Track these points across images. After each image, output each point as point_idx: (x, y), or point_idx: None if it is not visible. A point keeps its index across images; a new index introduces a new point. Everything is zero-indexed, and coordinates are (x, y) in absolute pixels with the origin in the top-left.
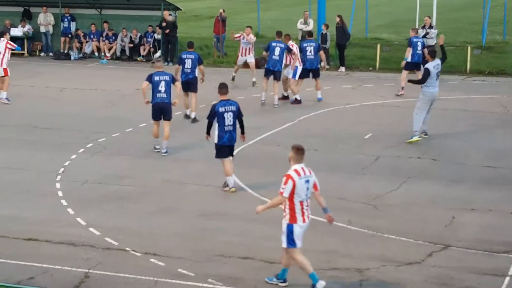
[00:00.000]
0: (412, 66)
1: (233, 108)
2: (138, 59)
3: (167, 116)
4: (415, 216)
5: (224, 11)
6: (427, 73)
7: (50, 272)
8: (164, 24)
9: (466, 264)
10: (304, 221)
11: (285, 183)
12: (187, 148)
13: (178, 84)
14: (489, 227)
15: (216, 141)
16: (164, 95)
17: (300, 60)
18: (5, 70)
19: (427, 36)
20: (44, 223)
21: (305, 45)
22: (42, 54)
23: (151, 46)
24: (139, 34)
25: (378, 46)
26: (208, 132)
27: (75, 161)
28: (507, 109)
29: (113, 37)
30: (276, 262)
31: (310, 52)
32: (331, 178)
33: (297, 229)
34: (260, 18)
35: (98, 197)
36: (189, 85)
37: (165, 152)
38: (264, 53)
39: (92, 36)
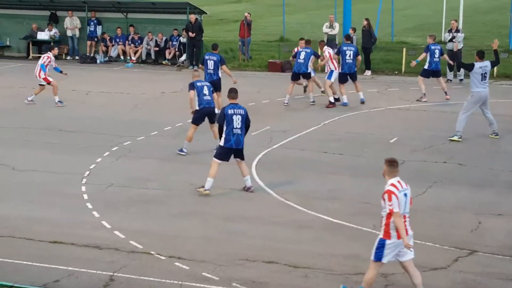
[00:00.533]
0: (429, 74)
1: (242, 112)
2: (164, 62)
3: (213, 119)
4: (441, 221)
5: (250, 14)
6: (471, 66)
7: (75, 275)
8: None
9: (493, 270)
10: (398, 237)
11: (389, 200)
12: (211, 151)
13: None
14: None
15: (222, 143)
16: (209, 98)
17: (335, 65)
18: (45, 79)
19: (453, 40)
20: (69, 226)
21: (344, 48)
22: (68, 57)
23: (176, 49)
24: (164, 38)
25: (404, 49)
26: (221, 137)
27: (101, 164)
28: None
29: (139, 41)
30: (301, 266)
31: (349, 56)
32: (356, 183)
33: (388, 245)
34: (285, 21)
35: (123, 200)
36: (214, 86)
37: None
38: (291, 58)
39: (118, 40)
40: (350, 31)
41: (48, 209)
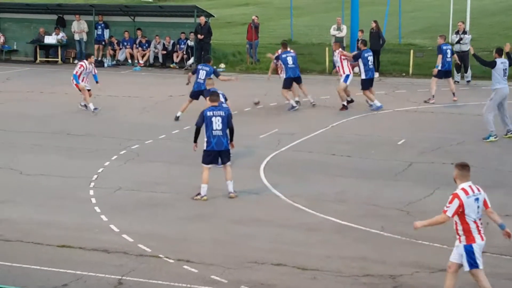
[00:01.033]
0: (442, 74)
1: (222, 113)
2: (171, 66)
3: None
4: (449, 222)
5: (257, 17)
6: (493, 63)
7: (83, 279)
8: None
9: (501, 271)
10: (482, 239)
11: (451, 201)
12: None
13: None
14: None
15: (204, 147)
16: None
17: (350, 68)
18: (76, 85)
19: (460, 42)
20: (77, 230)
21: (366, 54)
22: (76, 61)
23: (184, 52)
24: (172, 41)
25: (412, 51)
26: (195, 141)
27: (109, 168)
28: None
29: (146, 44)
30: (309, 269)
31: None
32: (364, 185)
33: (477, 248)
34: (293, 24)
35: (131, 203)
36: (203, 95)
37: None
38: (274, 62)
39: (125, 43)
40: (359, 34)
41: (56, 213)
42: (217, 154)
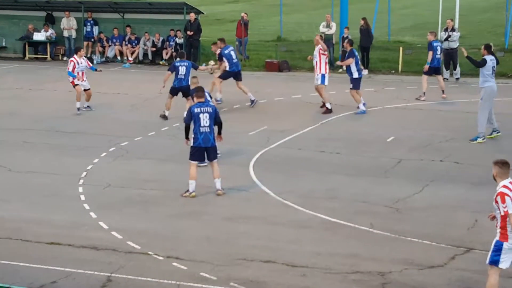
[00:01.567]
0: (433, 71)
1: (209, 109)
2: (161, 63)
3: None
4: (438, 219)
5: (246, 14)
6: (483, 61)
7: (72, 276)
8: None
9: None
10: None
11: (503, 201)
12: None
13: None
14: None
15: (191, 143)
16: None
17: (327, 68)
18: (72, 83)
19: (449, 39)
20: (66, 227)
21: (356, 53)
22: (65, 58)
23: (173, 50)
24: (161, 38)
25: (401, 49)
26: (187, 137)
27: (98, 165)
28: None
29: (136, 41)
30: (299, 266)
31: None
32: (353, 182)
33: (506, 247)
34: (283, 21)
35: (120, 201)
36: (184, 92)
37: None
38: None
39: (114, 40)
40: (345, 31)
41: (45, 211)
42: (203, 151)
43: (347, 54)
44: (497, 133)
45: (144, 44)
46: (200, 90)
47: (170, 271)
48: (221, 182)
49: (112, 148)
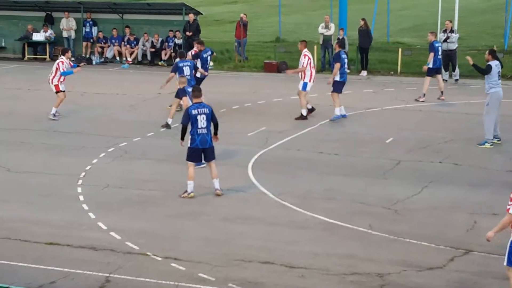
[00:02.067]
0: (434, 72)
1: (206, 111)
2: (160, 63)
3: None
4: (437, 221)
5: (246, 15)
6: (489, 68)
7: (71, 276)
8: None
9: (488, 269)
10: None
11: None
12: None
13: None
14: None
15: (189, 144)
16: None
17: (312, 75)
18: (56, 86)
19: (448, 41)
20: (65, 227)
21: (343, 56)
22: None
23: (172, 50)
24: (160, 39)
25: (400, 50)
26: (182, 138)
27: (96, 165)
28: None
29: (135, 42)
30: (297, 267)
31: (347, 66)
32: (352, 183)
33: None
34: (281, 22)
35: (119, 201)
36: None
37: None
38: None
39: (113, 41)
40: (340, 32)
41: (44, 211)
42: (201, 152)
43: (333, 56)
44: (498, 140)
45: (143, 45)
46: (197, 90)
47: (169, 271)
48: (220, 182)
49: (111, 148)
